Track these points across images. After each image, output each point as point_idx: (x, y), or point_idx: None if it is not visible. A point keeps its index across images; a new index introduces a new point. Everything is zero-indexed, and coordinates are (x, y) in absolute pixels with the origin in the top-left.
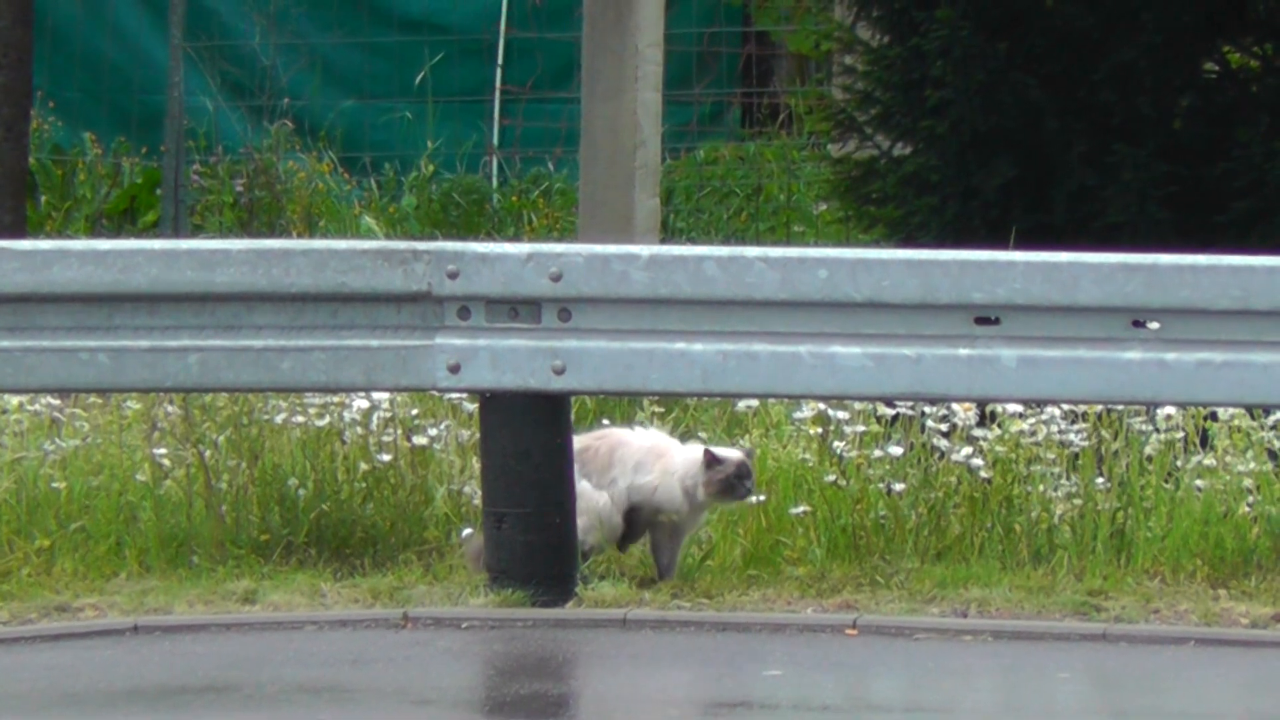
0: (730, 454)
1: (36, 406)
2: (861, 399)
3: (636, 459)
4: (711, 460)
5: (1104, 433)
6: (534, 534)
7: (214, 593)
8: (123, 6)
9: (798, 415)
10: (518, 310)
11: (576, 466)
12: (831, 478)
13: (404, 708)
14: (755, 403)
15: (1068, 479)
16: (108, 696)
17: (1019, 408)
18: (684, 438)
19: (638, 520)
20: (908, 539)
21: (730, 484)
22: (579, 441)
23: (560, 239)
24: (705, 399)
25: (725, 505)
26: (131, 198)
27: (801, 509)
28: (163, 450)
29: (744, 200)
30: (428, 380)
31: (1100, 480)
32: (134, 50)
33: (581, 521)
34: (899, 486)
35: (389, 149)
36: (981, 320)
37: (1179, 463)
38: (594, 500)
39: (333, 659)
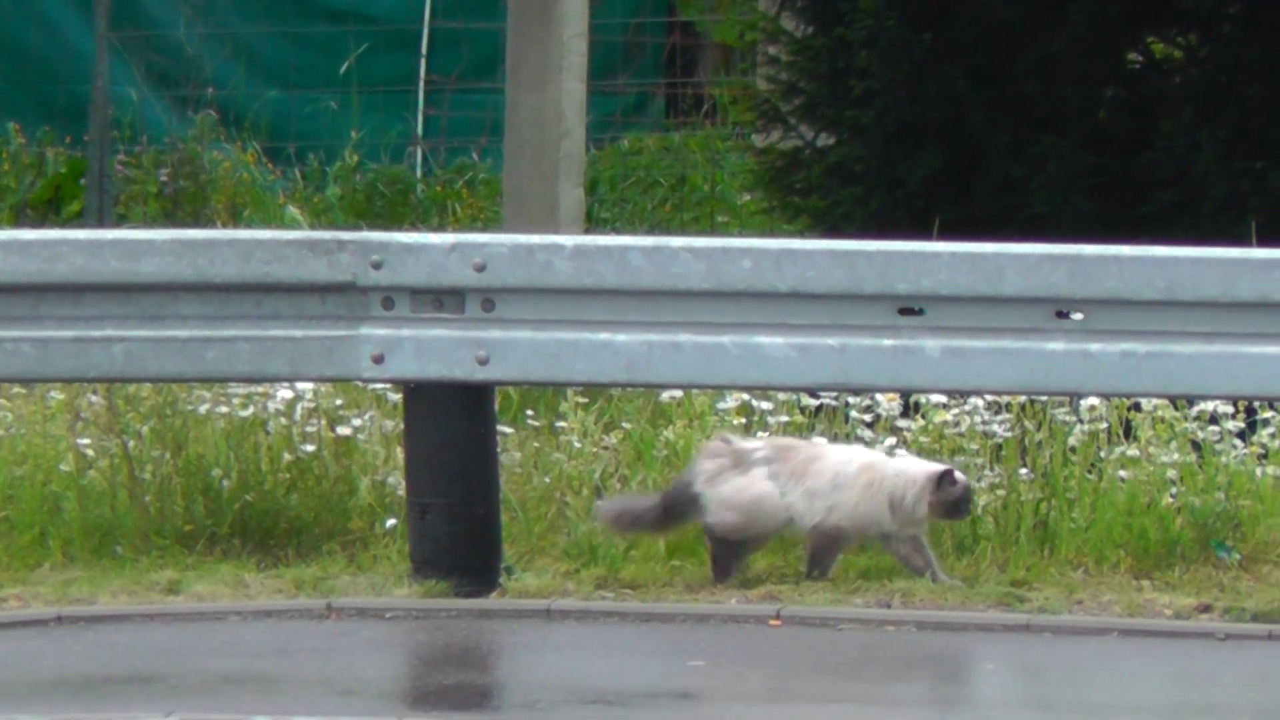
0: (961, 476)
1: None
2: (786, 389)
3: (834, 472)
4: (947, 480)
5: (1027, 423)
6: (458, 525)
7: (138, 583)
8: None
9: (722, 406)
10: (442, 300)
11: (769, 458)
12: None
13: (329, 698)
14: (680, 393)
15: (991, 470)
16: (32, 687)
17: (943, 398)
18: (608, 428)
19: (836, 539)
20: None
21: (958, 505)
22: (781, 438)
23: (485, 229)
24: (630, 389)
25: (940, 522)
26: (56, 187)
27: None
28: (87, 440)
29: (668, 191)
30: (352, 370)
31: (1024, 471)
32: (59, 40)
33: (731, 517)
34: None
35: (314, 139)
36: (906, 311)
37: (1102, 453)
38: (749, 493)
39: (257, 649)
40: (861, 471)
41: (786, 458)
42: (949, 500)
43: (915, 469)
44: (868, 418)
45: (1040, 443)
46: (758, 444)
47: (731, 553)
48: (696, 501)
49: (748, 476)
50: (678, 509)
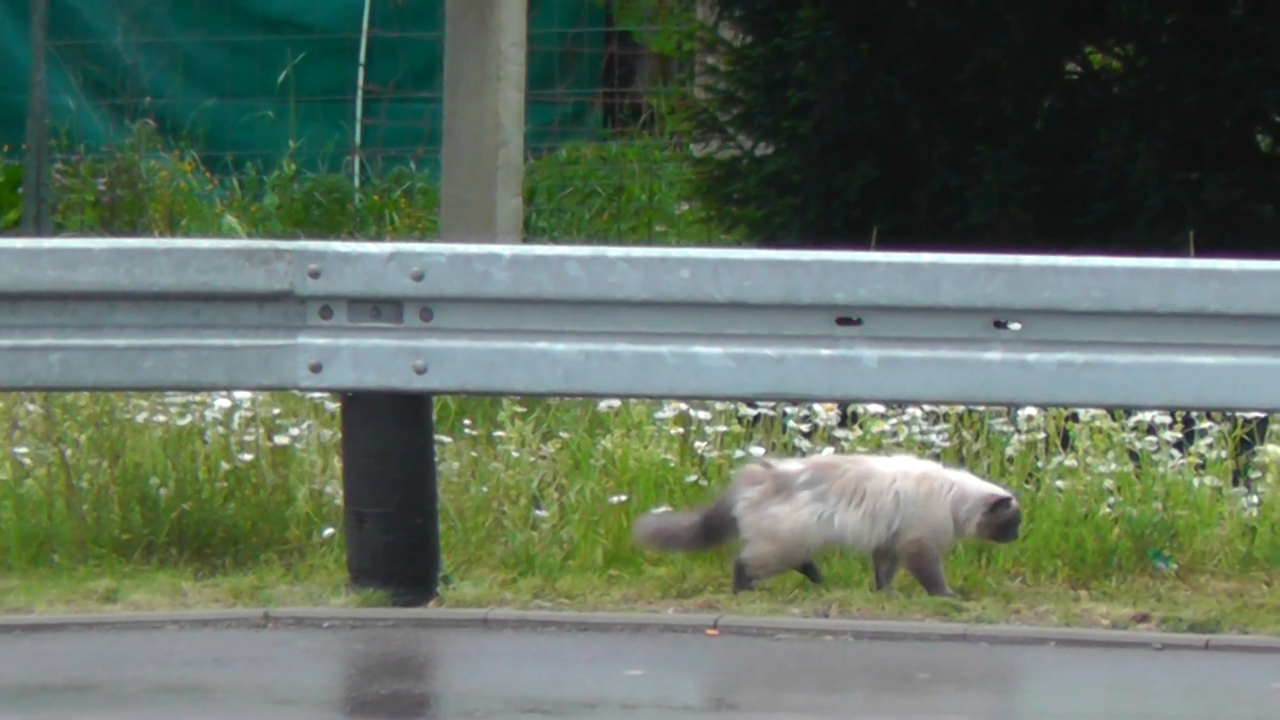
0: (1015, 501)
1: None
2: (723, 399)
3: (895, 489)
4: (1000, 504)
5: (965, 433)
6: (395, 534)
7: (75, 592)
8: None
9: (659, 415)
10: (380, 309)
11: (812, 480)
12: (693, 478)
13: (265, 708)
14: (617, 402)
15: None
16: None
17: (880, 408)
18: (546, 438)
19: (926, 551)
20: None
21: (1007, 527)
22: (823, 456)
23: (422, 238)
24: (567, 399)
25: (987, 543)
26: None
27: (663, 509)
28: (24, 449)
29: (606, 200)
30: (290, 379)
31: None
32: None
33: (754, 550)
34: None
35: (251, 148)
36: (843, 320)
37: (1040, 463)
38: (787, 524)
39: (194, 658)
40: (920, 481)
41: (832, 476)
42: (1000, 523)
43: (971, 485)
44: (805, 428)
45: (978, 453)
46: (799, 466)
47: (763, 576)
48: (735, 525)
49: (790, 503)
50: (717, 531)
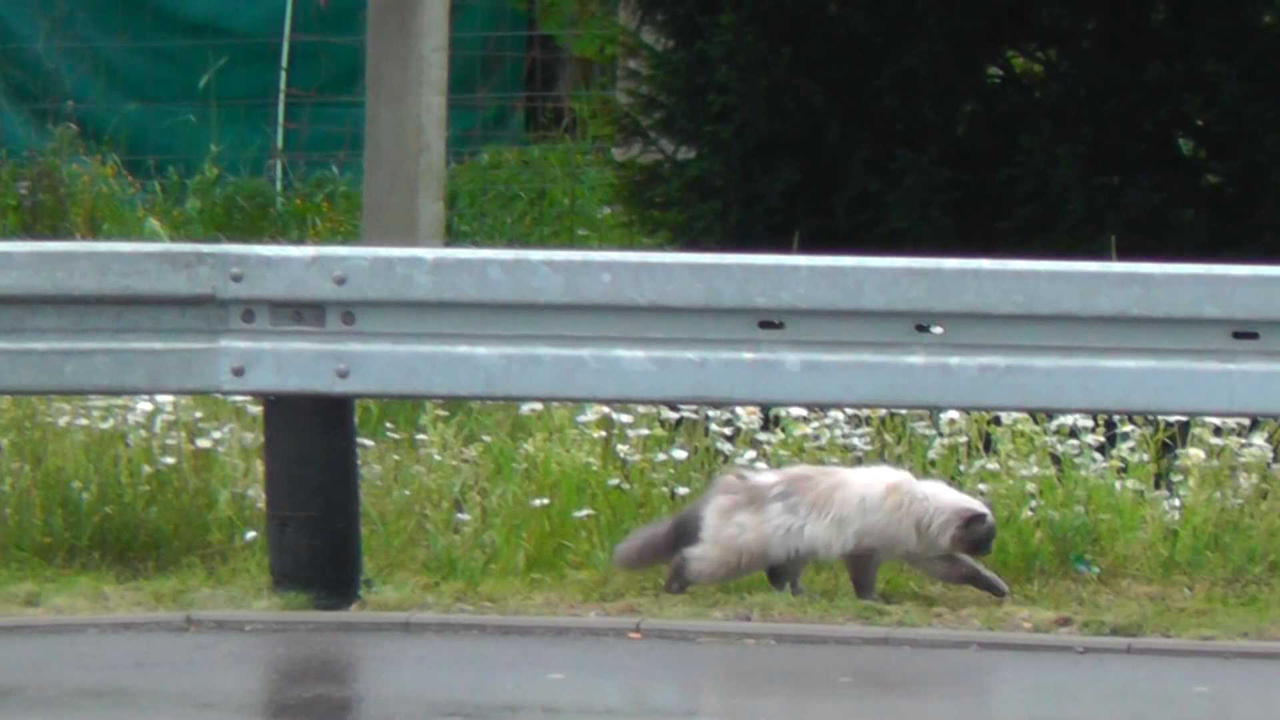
0: (988, 513)
1: None
2: (645, 402)
3: (860, 495)
4: (973, 519)
5: (887, 437)
6: (318, 538)
7: None
8: None
9: (581, 419)
10: (302, 313)
11: (785, 493)
12: (615, 481)
13: (187, 711)
14: (539, 406)
15: None
16: None
17: (803, 411)
18: (468, 441)
19: (870, 559)
20: None
21: (982, 542)
22: (797, 468)
23: (345, 243)
24: (489, 403)
25: (962, 556)
26: None
27: (585, 513)
28: None
29: (528, 204)
30: (212, 383)
31: None
32: None
33: (706, 551)
34: (683, 490)
35: (173, 152)
36: (765, 324)
37: (962, 467)
38: (747, 535)
39: (116, 662)
40: (889, 493)
41: (804, 489)
42: (974, 538)
43: (946, 498)
44: (727, 431)
45: (900, 456)
46: (774, 478)
47: (702, 581)
48: (698, 528)
49: (759, 515)
50: (688, 536)
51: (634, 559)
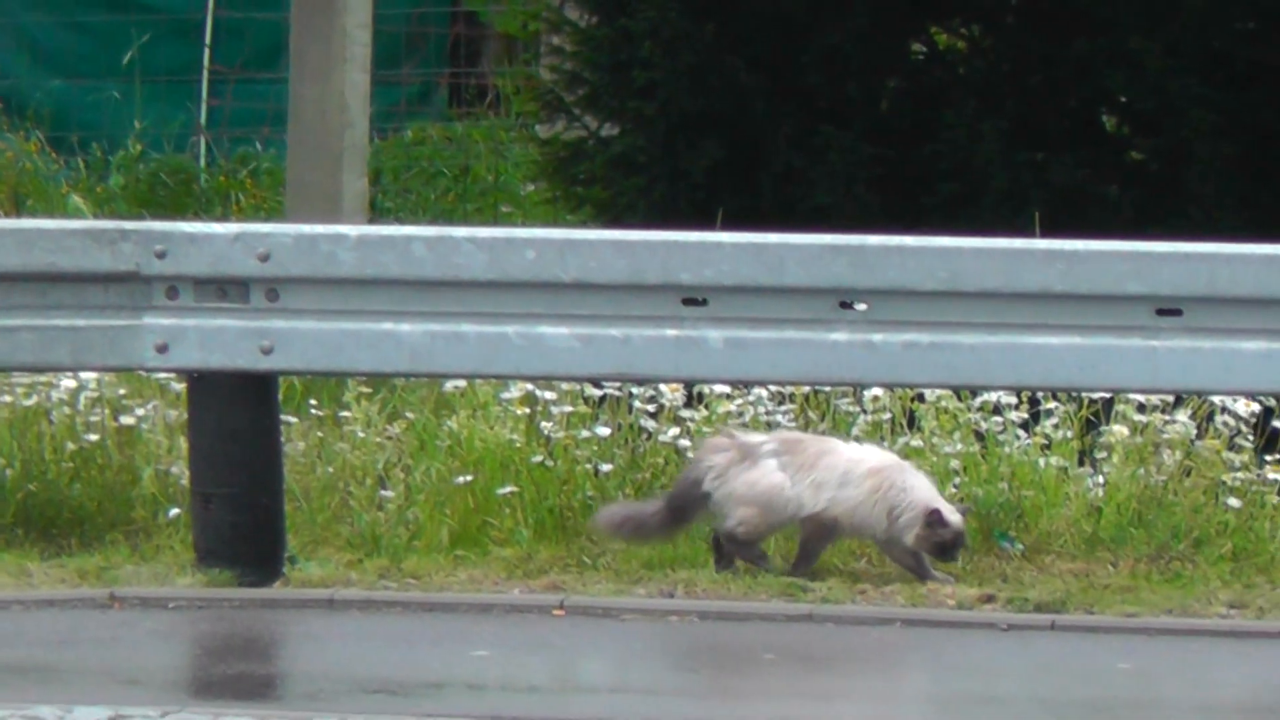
0: (954, 518)
1: None
2: (569, 379)
3: (844, 469)
4: (936, 521)
5: (811, 414)
6: (242, 514)
7: None
8: None
9: (505, 396)
10: (226, 290)
11: (778, 450)
12: (539, 458)
13: (111, 688)
14: (463, 383)
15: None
16: None
17: (726, 388)
18: (392, 418)
19: (830, 531)
20: None
21: (944, 547)
22: (791, 432)
23: (268, 219)
24: (413, 379)
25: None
26: None
27: (509, 490)
28: None
29: (452, 181)
30: (135, 360)
31: None
32: None
33: (747, 513)
34: (606, 467)
35: (97, 129)
36: (689, 301)
37: (886, 444)
38: (762, 485)
39: (40, 639)
40: (870, 474)
41: (795, 451)
42: (935, 540)
43: (922, 495)
44: (651, 408)
45: (824, 433)
46: (763, 437)
47: (749, 551)
48: (706, 500)
49: (759, 469)
50: (685, 510)
51: (614, 527)
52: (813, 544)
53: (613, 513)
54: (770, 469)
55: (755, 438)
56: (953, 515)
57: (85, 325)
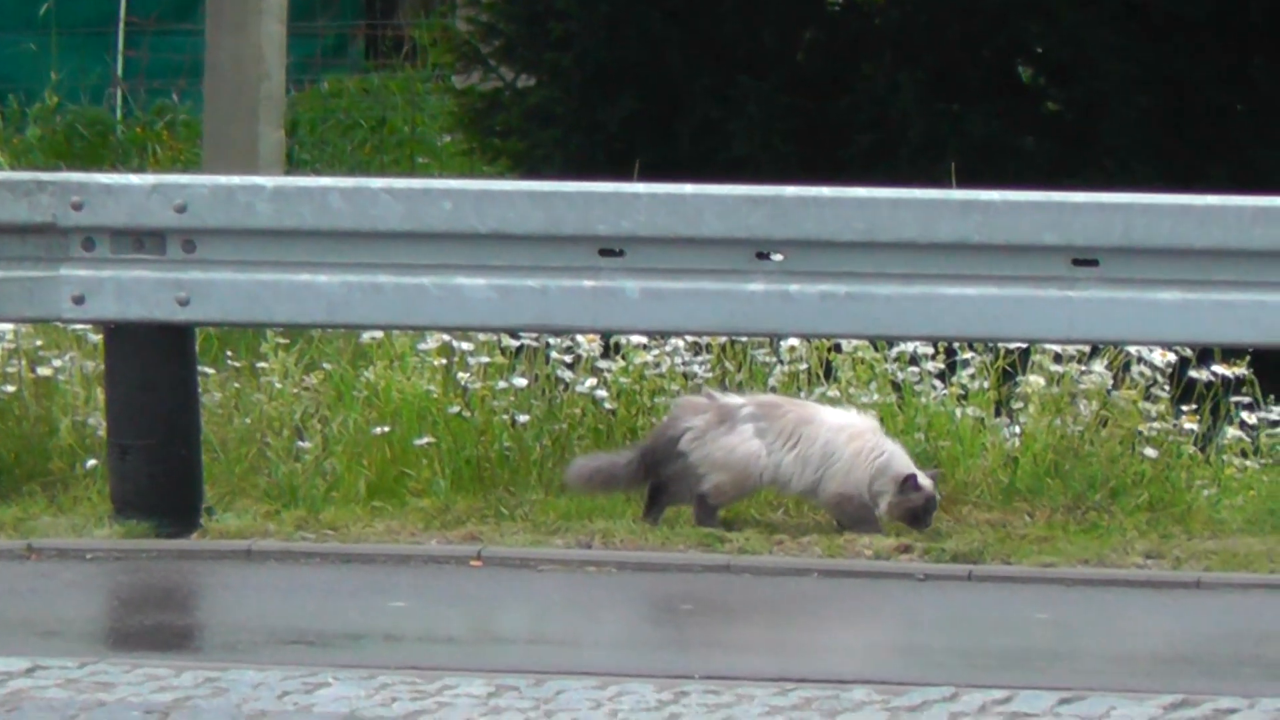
0: (926, 484)
1: None
2: (486, 330)
3: (825, 440)
4: (910, 487)
5: (728, 364)
6: (159, 465)
7: None
8: None
9: (422, 346)
10: (143, 241)
11: (755, 415)
12: (456, 409)
13: (30, 639)
14: (380, 334)
15: None
16: None
17: (643, 339)
18: (309, 369)
19: (850, 500)
20: (532, 470)
21: (916, 514)
22: (764, 395)
23: (185, 171)
24: (330, 330)
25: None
26: None
27: (426, 440)
28: None
29: (368, 132)
30: (52, 311)
31: None
32: None
33: (721, 478)
34: (523, 418)
35: (13, 81)
36: (606, 252)
37: (803, 394)
38: (739, 451)
39: None
40: (851, 439)
41: (774, 415)
42: (907, 506)
43: (897, 462)
44: (568, 359)
45: (741, 383)
46: (741, 399)
47: (712, 518)
48: (681, 459)
49: (736, 434)
50: (658, 465)
51: (583, 482)
52: (852, 519)
53: (583, 465)
54: (747, 434)
55: (733, 399)
56: (925, 480)
57: (2, 277)
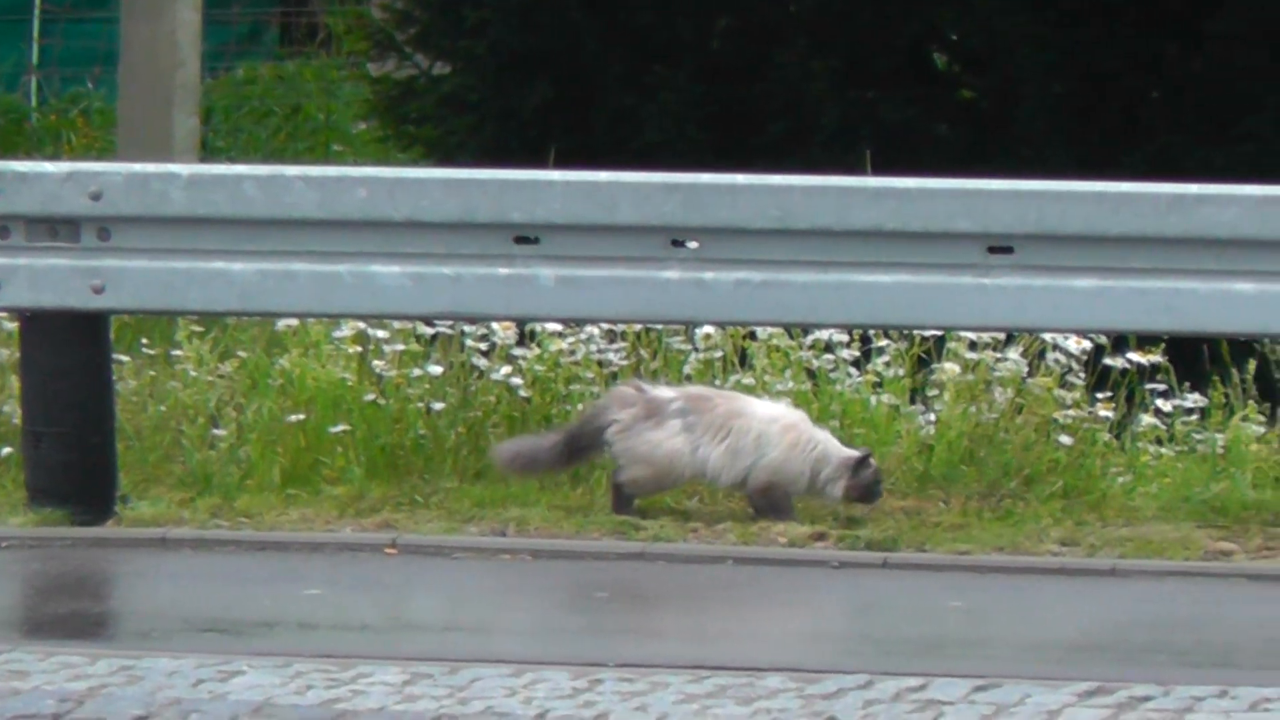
0: (872, 461)
1: None
2: (401, 318)
3: (758, 431)
4: (862, 466)
5: (643, 352)
6: (73, 453)
7: None
8: None
9: (337, 334)
10: (57, 229)
11: (684, 409)
12: (371, 397)
13: None
14: (295, 322)
15: None
16: None
17: (558, 327)
18: (223, 357)
19: (775, 487)
20: (447, 458)
21: (870, 490)
22: (695, 387)
23: (100, 159)
24: (245, 318)
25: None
26: None
27: (341, 428)
28: None
29: (283, 120)
30: None
31: None
32: None
33: (634, 474)
34: (438, 406)
35: None
36: (521, 239)
37: (718, 382)
38: (663, 449)
39: None
40: (785, 431)
41: (703, 409)
42: (865, 484)
43: (833, 448)
44: (483, 346)
45: (656, 371)
46: (671, 393)
47: (628, 506)
48: (606, 448)
49: (663, 429)
50: (583, 451)
51: (509, 461)
52: (771, 506)
53: (508, 447)
54: (674, 430)
55: (663, 393)
56: (869, 453)
57: None
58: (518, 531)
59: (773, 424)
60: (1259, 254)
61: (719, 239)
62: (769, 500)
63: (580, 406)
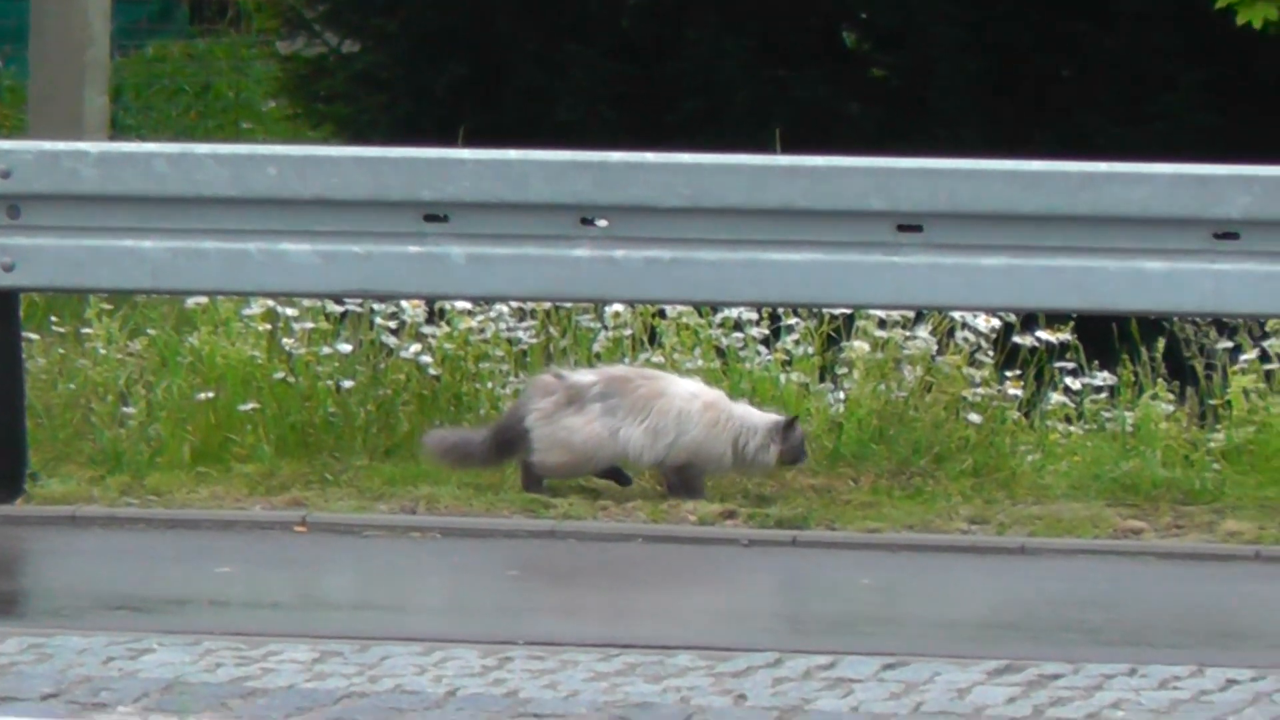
0: (785, 418)
1: None
2: (311, 296)
3: (678, 409)
4: (791, 428)
5: (553, 330)
6: None
7: None
8: None
9: (247, 312)
10: None
11: (605, 393)
12: (280, 375)
13: None
14: (205, 299)
15: (516, 376)
16: None
17: (468, 305)
18: (133, 335)
19: (691, 467)
20: (357, 436)
21: (799, 451)
22: (619, 369)
23: (10, 137)
24: (155, 296)
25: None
26: None
27: (250, 406)
28: None
29: (193, 98)
30: None
31: None
32: None
33: (545, 458)
34: (348, 384)
35: None
36: (431, 218)
37: (627, 360)
38: (581, 435)
39: None
40: (706, 409)
41: (624, 391)
42: (796, 445)
43: (756, 418)
44: (393, 324)
45: (565, 349)
46: (592, 377)
47: (538, 486)
48: (527, 435)
49: (583, 415)
50: (510, 444)
51: (440, 453)
52: (685, 484)
53: (441, 437)
54: (593, 415)
55: (584, 378)
56: (795, 416)
57: None
58: (428, 509)
59: (692, 401)
60: (1169, 232)
61: (629, 217)
62: (683, 478)
63: (490, 385)
